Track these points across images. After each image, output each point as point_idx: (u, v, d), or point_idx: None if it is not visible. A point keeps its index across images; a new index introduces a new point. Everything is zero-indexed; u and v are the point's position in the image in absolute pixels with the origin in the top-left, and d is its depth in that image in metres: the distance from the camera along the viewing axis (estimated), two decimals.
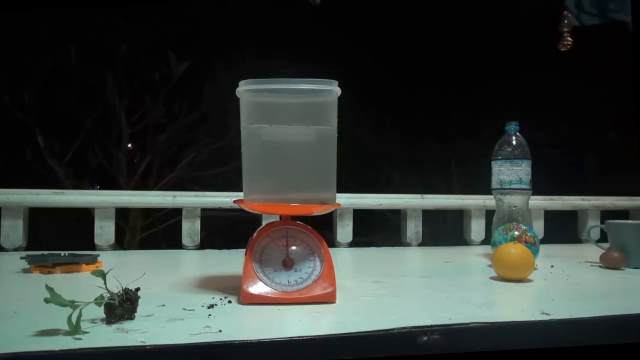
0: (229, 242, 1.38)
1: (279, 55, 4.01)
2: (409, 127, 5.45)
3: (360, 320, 0.63)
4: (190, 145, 4.74)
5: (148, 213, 4.50)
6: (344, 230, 1.56)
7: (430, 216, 1.66)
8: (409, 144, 5.46)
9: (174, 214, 3.30)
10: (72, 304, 0.56)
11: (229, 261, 1.19)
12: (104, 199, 1.44)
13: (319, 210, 0.75)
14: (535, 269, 0.95)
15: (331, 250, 0.75)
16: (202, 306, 0.68)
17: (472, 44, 5.07)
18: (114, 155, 4.69)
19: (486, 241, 1.57)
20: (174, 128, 4.68)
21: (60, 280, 0.91)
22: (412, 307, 0.72)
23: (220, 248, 1.43)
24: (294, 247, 0.73)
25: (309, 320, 0.64)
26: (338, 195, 0.76)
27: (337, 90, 0.74)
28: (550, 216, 1.70)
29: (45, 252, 1.09)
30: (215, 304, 0.69)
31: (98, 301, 0.59)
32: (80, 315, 0.55)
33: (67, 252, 1.05)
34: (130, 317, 0.60)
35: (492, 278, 0.95)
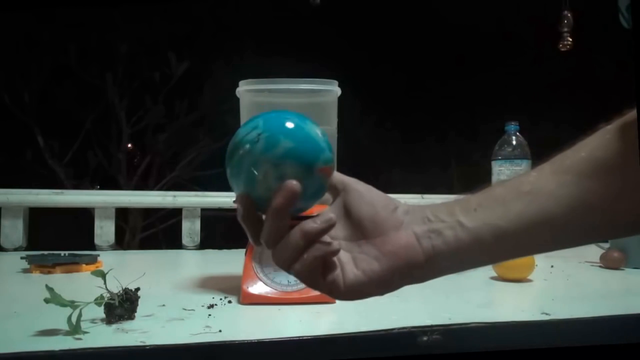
0: (229, 242, 1.38)
1: (279, 55, 4.01)
2: (409, 127, 5.45)
3: (360, 320, 0.63)
4: (190, 145, 4.74)
5: (148, 213, 4.51)
6: None
7: None
8: (409, 144, 5.46)
9: (174, 214, 3.30)
10: (72, 304, 0.56)
11: (229, 261, 1.19)
12: (104, 199, 1.44)
13: (319, 211, 0.75)
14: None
15: None
16: (202, 306, 0.68)
17: (473, 44, 5.07)
18: (114, 155, 4.69)
19: None
20: (174, 128, 4.69)
21: (60, 280, 0.91)
22: (412, 307, 0.72)
23: (220, 248, 1.43)
24: None
25: (309, 320, 0.64)
26: None
27: (337, 90, 0.74)
28: None
29: (45, 252, 1.09)
30: (215, 304, 0.68)
31: (98, 301, 0.59)
32: (80, 315, 0.55)
33: (67, 252, 1.05)
34: (130, 317, 0.60)
35: (492, 278, 0.95)
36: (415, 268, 0.40)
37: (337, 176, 0.43)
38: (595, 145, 0.41)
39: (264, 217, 0.39)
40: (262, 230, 0.39)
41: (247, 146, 0.38)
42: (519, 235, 0.40)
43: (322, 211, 0.42)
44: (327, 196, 0.43)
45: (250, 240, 0.41)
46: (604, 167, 0.39)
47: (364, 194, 0.42)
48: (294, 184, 0.37)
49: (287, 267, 0.40)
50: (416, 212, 0.42)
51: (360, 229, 0.41)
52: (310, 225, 0.39)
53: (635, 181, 0.38)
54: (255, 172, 0.37)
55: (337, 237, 0.41)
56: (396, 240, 0.40)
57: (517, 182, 0.42)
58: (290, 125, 0.38)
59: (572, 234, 0.41)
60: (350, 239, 0.41)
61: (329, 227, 0.39)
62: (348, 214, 0.42)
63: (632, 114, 0.40)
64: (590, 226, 0.40)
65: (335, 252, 0.40)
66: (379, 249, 0.40)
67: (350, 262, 0.41)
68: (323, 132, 0.40)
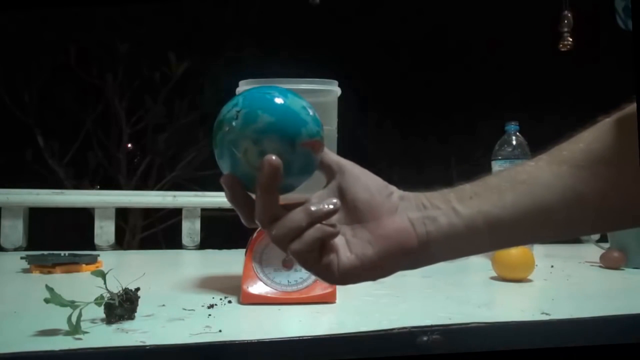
0: (229, 242, 1.38)
1: (279, 55, 4.01)
2: (410, 126, 5.45)
3: (360, 320, 0.63)
4: (190, 145, 4.74)
5: (148, 213, 4.50)
6: None
7: None
8: (410, 144, 5.46)
9: (174, 214, 3.29)
10: (72, 304, 0.56)
11: (229, 261, 1.19)
12: (104, 199, 1.44)
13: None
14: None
15: None
16: (202, 306, 0.68)
17: (473, 42, 5.07)
18: (114, 155, 4.69)
19: None
20: (174, 128, 4.68)
21: (60, 280, 0.91)
22: (412, 307, 0.72)
23: (220, 248, 1.43)
24: None
25: (309, 320, 0.64)
26: None
27: (337, 90, 0.74)
28: None
29: (45, 252, 1.09)
30: (215, 304, 0.69)
31: (98, 301, 0.59)
32: (80, 315, 0.55)
33: (67, 252, 1.05)
34: (130, 317, 0.60)
35: (492, 278, 0.95)
36: (409, 254, 0.40)
37: (333, 157, 0.42)
38: (593, 137, 0.41)
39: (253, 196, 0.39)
40: (255, 210, 0.39)
41: (228, 124, 0.37)
42: (512, 224, 0.40)
43: (321, 193, 0.41)
44: (322, 178, 0.42)
45: (243, 221, 0.41)
46: (600, 159, 0.39)
47: (360, 178, 0.41)
48: (272, 158, 0.36)
49: (285, 246, 0.39)
50: (411, 199, 0.42)
51: (355, 213, 0.40)
52: (317, 206, 0.38)
53: (629, 176, 0.38)
54: (236, 150, 0.37)
55: (331, 220, 0.40)
56: (390, 225, 0.40)
57: (513, 171, 0.42)
58: (269, 99, 0.37)
59: (565, 225, 0.41)
60: (344, 222, 0.41)
61: (335, 210, 0.39)
62: (343, 196, 0.41)
63: (630, 108, 0.39)
64: (583, 218, 0.40)
65: (335, 234, 0.39)
66: (373, 234, 0.40)
67: (344, 246, 0.40)
68: (309, 106, 0.38)
